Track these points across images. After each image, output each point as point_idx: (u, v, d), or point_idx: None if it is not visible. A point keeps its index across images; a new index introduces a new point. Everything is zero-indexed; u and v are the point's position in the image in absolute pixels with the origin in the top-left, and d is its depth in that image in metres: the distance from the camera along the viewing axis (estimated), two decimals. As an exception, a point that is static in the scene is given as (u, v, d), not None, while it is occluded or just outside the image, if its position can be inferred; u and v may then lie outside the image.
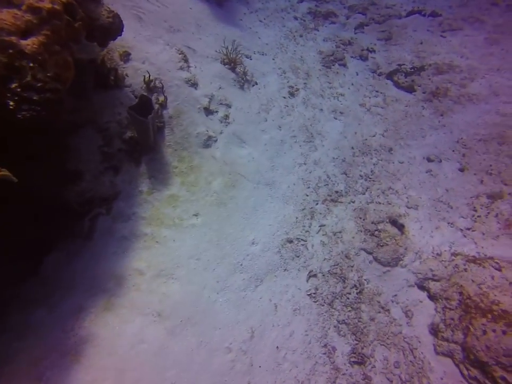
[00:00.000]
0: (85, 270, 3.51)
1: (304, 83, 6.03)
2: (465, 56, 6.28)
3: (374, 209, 4.35)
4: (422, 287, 3.77)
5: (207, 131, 4.36)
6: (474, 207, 4.25)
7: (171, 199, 3.95)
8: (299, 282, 3.83)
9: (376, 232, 4.12)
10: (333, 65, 6.68)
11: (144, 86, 4.21)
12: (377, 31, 7.48)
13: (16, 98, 2.42)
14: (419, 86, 6.06)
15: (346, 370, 3.30)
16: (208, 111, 4.53)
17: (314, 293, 3.76)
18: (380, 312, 3.66)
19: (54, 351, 2.92)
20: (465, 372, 3.10)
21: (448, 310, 3.45)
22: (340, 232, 4.23)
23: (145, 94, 4.12)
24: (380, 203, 4.45)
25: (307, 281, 3.84)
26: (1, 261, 3.25)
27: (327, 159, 4.99)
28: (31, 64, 2.47)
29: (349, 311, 3.66)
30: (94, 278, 3.44)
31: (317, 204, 4.48)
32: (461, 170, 4.74)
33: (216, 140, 4.42)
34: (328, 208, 4.45)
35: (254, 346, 3.25)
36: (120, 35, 3.80)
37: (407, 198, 4.53)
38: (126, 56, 4.28)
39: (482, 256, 3.72)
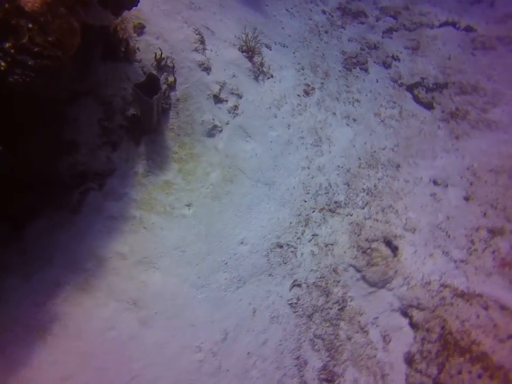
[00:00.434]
0: (68, 244, 3.43)
1: (322, 83, 5.81)
2: (492, 78, 6.02)
3: (371, 226, 4.24)
4: (405, 314, 3.70)
5: (213, 120, 4.20)
6: (472, 240, 4.13)
7: (165, 185, 3.83)
8: (282, 289, 3.76)
9: (369, 251, 4.02)
10: (354, 68, 6.43)
11: (155, 63, 4.02)
12: (405, 39, 7.16)
13: (8, 59, 2.26)
14: (439, 104, 5.84)
15: (315, 386, 3.27)
16: (217, 99, 4.35)
17: (295, 303, 3.69)
18: (358, 332, 3.60)
19: (21, 324, 2.86)
20: (433, 407, 3.07)
21: (427, 342, 3.39)
22: (332, 244, 4.13)
23: (154, 72, 3.94)
24: (377, 220, 4.33)
25: (290, 289, 3.77)
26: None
27: (332, 166, 4.84)
28: (30, 25, 2.30)
29: (327, 326, 3.61)
30: (75, 254, 3.36)
31: (314, 211, 4.36)
32: (466, 199, 4.60)
33: (221, 130, 4.26)
34: (324, 218, 4.34)
35: (225, 349, 3.21)
36: (136, 5, 3.60)
37: (406, 219, 4.41)
38: (140, 29, 4.07)
39: (471, 292, 3.64)
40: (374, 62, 6.60)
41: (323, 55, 6.41)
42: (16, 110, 2.78)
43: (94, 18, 3.39)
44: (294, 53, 6.11)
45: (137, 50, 4.00)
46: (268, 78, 5.17)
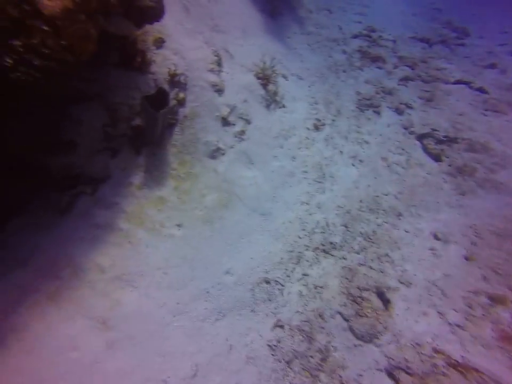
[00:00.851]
0: (47, 247, 3.26)
1: (333, 120, 5.80)
2: (502, 141, 6.01)
3: (364, 274, 4.04)
4: (391, 375, 3.42)
5: (217, 142, 4.13)
6: (470, 304, 3.91)
7: (159, 201, 3.70)
8: (263, 328, 3.51)
9: (359, 299, 3.80)
10: (367, 110, 6.46)
11: (168, 78, 4.01)
12: (420, 89, 7.25)
13: (15, 57, 2.21)
14: (447, 157, 5.79)
15: None
16: (225, 122, 4.30)
17: (275, 345, 3.44)
18: (338, 388, 3.32)
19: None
20: None
21: (411, 413, 3.10)
22: (322, 287, 3.92)
23: (165, 87, 3.92)
24: (372, 268, 4.14)
25: (272, 330, 3.53)
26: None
27: (332, 205, 4.71)
28: (45, 27, 2.27)
29: (306, 377, 3.33)
30: (52, 259, 3.18)
31: (307, 249, 4.19)
32: (467, 258, 4.42)
33: (224, 153, 4.18)
34: (317, 258, 4.15)
35: (192, 388, 2.94)
36: (158, 21, 3.62)
37: (401, 271, 4.21)
38: (159, 43, 4.09)
39: (467, 363, 3.38)
40: (388, 107, 6.63)
41: (338, 92, 6.46)
42: (12, 98, 2.69)
43: (114, 27, 3.40)
44: (309, 87, 6.16)
45: (152, 63, 4.00)
46: (280, 108, 5.17)
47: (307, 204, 4.58)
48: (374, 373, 3.45)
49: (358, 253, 4.29)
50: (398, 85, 7.29)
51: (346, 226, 4.57)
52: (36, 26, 2.23)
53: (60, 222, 3.43)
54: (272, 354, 3.39)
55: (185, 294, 3.37)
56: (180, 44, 4.17)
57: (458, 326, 3.72)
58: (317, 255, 4.18)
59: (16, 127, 3.17)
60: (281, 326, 3.57)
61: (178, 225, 3.65)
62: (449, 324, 3.75)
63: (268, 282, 3.80)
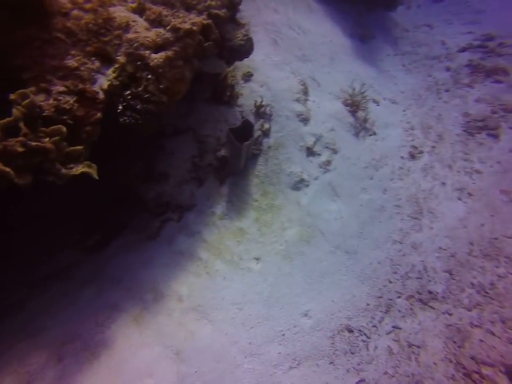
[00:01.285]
0: (136, 269, 3.50)
1: (432, 146, 5.08)
2: None
3: (481, 340, 3.23)
4: None
5: (302, 173, 3.96)
6: None
7: (239, 232, 3.68)
8: (343, 387, 3.06)
9: (477, 377, 3.01)
10: (479, 133, 5.49)
11: (254, 109, 4.08)
12: (554, 107, 5.88)
13: (124, 104, 2.49)
14: None
15: None
16: (310, 152, 4.13)
17: (357, 412, 2.95)
18: None
19: (80, 339, 2.92)
20: None
21: None
22: (419, 347, 3.27)
23: (250, 118, 3.98)
24: (493, 334, 3.29)
25: (353, 390, 3.05)
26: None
27: (432, 246, 4.00)
28: (149, 76, 2.52)
29: None
30: (139, 281, 3.39)
31: (399, 297, 3.59)
32: None
33: (308, 185, 3.98)
34: (411, 309, 3.52)
35: None
36: (247, 57, 3.74)
37: (535, 342, 3.24)
38: (248, 77, 4.23)
39: None
40: (510, 128, 5.52)
41: (439, 115, 5.69)
42: (118, 137, 3.03)
43: (208, 67, 3.63)
44: (404, 111, 5.58)
45: (240, 96, 4.13)
46: (370, 135, 4.76)
47: (400, 242, 3.99)
48: None
49: (469, 310, 3.49)
50: (523, 102, 6.06)
51: (451, 273, 3.80)
52: (143, 76, 2.49)
53: (148, 245, 3.68)
54: (354, 422, 2.91)
55: (259, 334, 3.18)
56: (266, 76, 4.23)
57: None
58: (412, 304, 3.55)
59: (120, 160, 3.59)
60: (366, 388, 3.06)
61: (257, 259, 3.54)
62: None
63: (350, 331, 3.35)
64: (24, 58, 2.13)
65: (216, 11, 3.17)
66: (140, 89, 2.51)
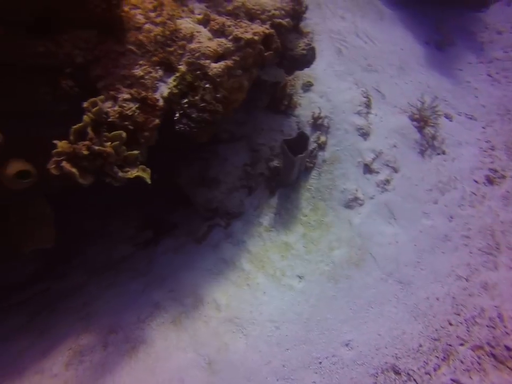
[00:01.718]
0: (181, 269, 3.58)
1: (517, 171, 4.42)
2: None
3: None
4: None
5: (356, 191, 3.71)
6: None
7: (284, 246, 3.56)
8: None
9: None
10: None
11: (312, 121, 3.93)
12: None
13: (181, 112, 2.55)
14: None
15: None
16: (367, 169, 3.85)
17: None
18: None
19: (123, 331, 3.06)
20: None
21: None
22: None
23: (307, 129, 3.85)
24: None
25: None
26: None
27: (510, 290, 3.45)
28: (207, 85, 2.55)
29: None
30: (182, 284, 3.46)
31: (463, 345, 3.14)
32: None
33: (362, 204, 3.71)
34: (480, 363, 3.03)
35: None
36: (309, 67, 3.62)
37: None
38: (307, 86, 4.11)
39: None
40: None
41: (529, 136, 4.93)
42: (174, 143, 3.13)
43: (268, 76, 3.60)
44: (483, 128, 4.95)
45: (298, 106, 4.02)
46: (438, 154, 4.29)
47: (466, 280, 3.51)
48: None
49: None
50: None
51: (532, 327, 3.23)
52: (200, 85, 2.54)
53: (194, 249, 3.75)
54: None
55: (294, 358, 3.02)
56: (327, 87, 4.06)
57: None
58: (480, 359, 3.06)
59: (177, 163, 3.72)
60: None
61: (300, 277, 3.39)
62: None
63: (397, 372, 3.02)
64: (101, 69, 2.29)
65: (280, 20, 3.12)
66: (196, 98, 2.55)
